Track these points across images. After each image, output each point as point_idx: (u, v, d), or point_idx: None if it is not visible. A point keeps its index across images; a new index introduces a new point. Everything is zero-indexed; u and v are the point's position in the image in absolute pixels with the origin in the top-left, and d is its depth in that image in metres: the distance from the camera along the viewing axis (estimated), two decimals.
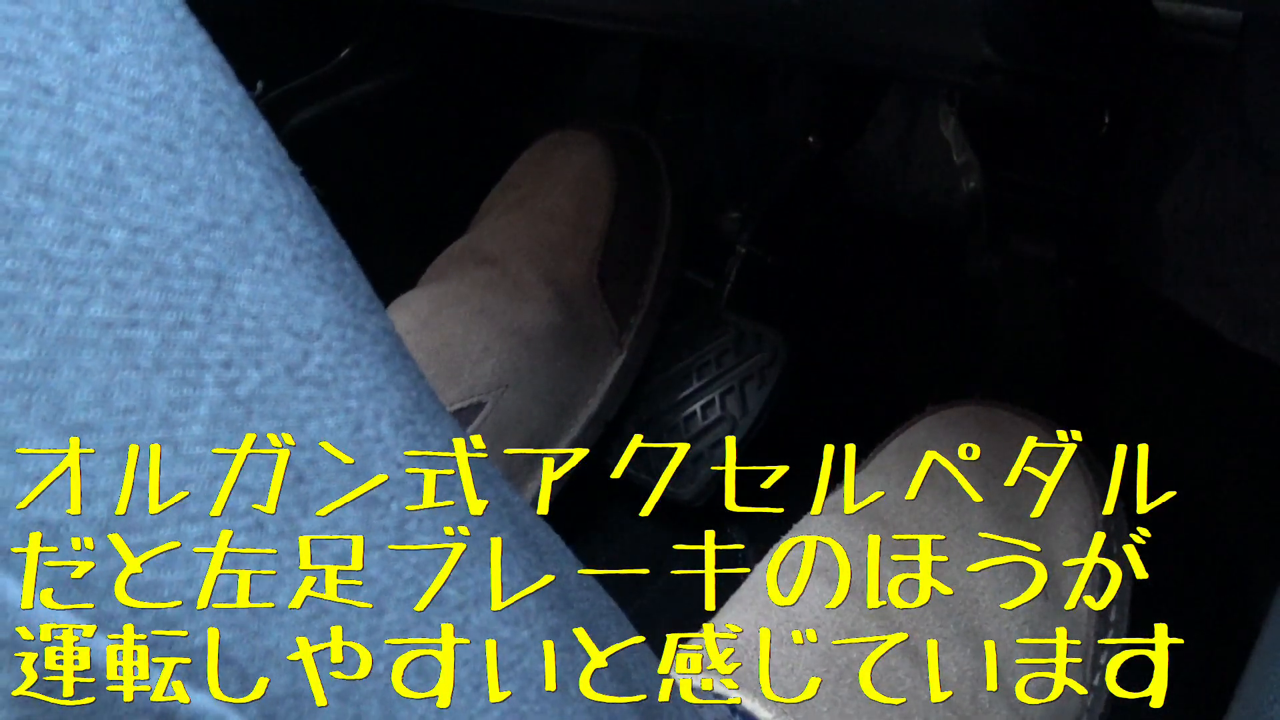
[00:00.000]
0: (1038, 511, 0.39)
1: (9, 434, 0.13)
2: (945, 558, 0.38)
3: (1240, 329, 0.49)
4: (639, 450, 0.57)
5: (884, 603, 0.36)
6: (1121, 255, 0.53)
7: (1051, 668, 0.37)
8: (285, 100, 0.59)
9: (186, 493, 0.14)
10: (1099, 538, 0.39)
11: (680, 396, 0.57)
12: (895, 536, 0.38)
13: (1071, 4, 0.35)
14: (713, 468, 0.55)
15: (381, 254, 0.41)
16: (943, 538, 0.38)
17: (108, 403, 0.13)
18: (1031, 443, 0.41)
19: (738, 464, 0.55)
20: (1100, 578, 0.39)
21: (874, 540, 0.38)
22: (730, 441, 0.55)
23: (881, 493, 0.41)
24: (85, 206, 0.13)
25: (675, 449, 0.56)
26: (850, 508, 0.40)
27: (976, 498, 0.39)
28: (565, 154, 0.57)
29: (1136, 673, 0.40)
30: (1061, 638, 0.38)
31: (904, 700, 0.34)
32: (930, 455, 0.41)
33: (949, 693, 0.35)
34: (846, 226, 0.63)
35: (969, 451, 0.41)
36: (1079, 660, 0.38)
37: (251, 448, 0.15)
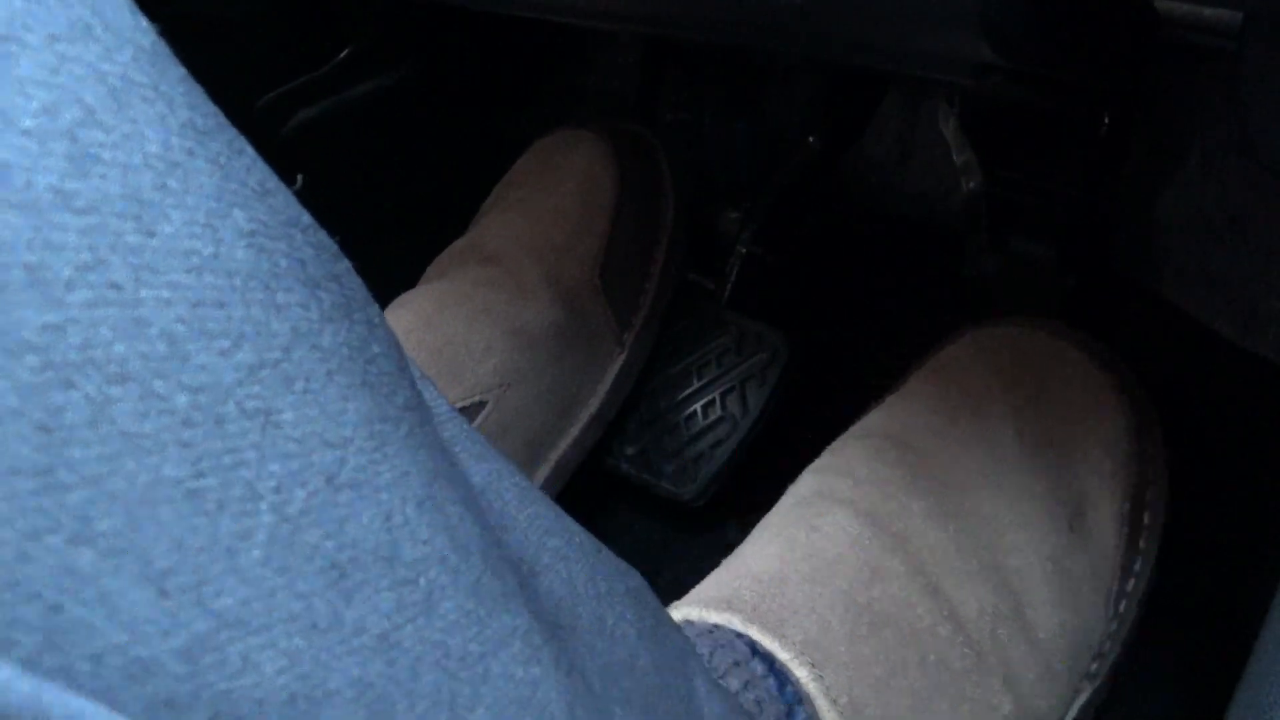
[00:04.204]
0: (1069, 439, 0.39)
1: (107, 590, 0.14)
2: (970, 486, 0.38)
3: (1240, 329, 0.49)
4: (639, 449, 0.57)
5: (906, 537, 0.36)
6: (1121, 255, 0.53)
7: (1074, 603, 0.37)
8: (285, 100, 0.59)
9: (248, 607, 0.16)
10: (1131, 469, 0.39)
11: (681, 396, 0.57)
12: (922, 466, 0.38)
13: (1071, 4, 0.35)
14: (713, 467, 0.55)
15: (382, 254, 0.41)
16: (969, 471, 0.38)
17: (183, 548, 0.15)
18: (1067, 366, 0.40)
19: (739, 463, 0.55)
20: (1128, 513, 0.39)
21: (900, 470, 0.38)
22: (731, 441, 0.55)
23: (911, 417, 0.40)
24: (154, 381, 0.15)
25: (676, 448, 0.56)
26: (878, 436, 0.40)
27: (1007, 426, 0.39)
28: (568, 153, 0.57)
29: (1156, 613, 0.40)
30: (1086, 571, 0.38)
31: (922, 637, 0.34)
32: (963, 382, 0.41)
33: (968, 628, 0.35)
34: (846, 226, 0.63)
35: (1003, 375, 0.41)
36: (1103, 594, 0.38)
37: (300, 559, 0.16)
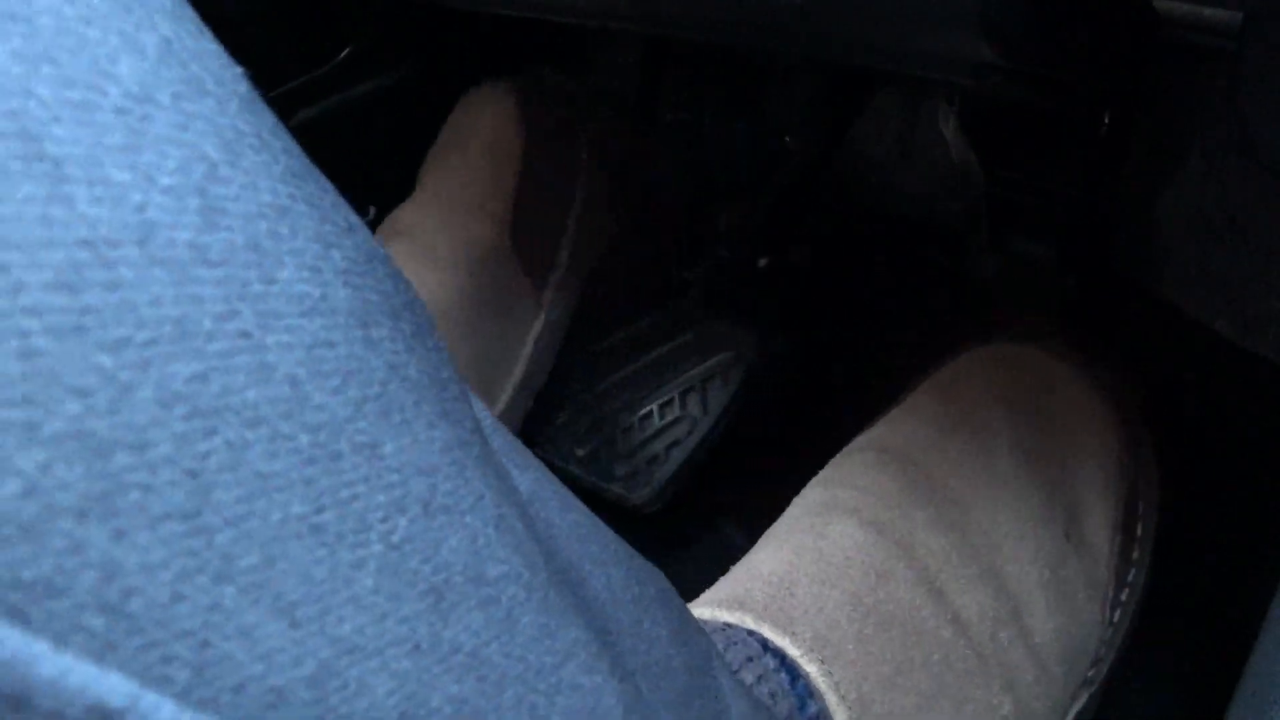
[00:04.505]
0: (1063, 452, 0.40)
1: (246, 624, 0.15)
2: (970, 497, 0.39)
3: (1240, 329, 0.49)
4: (590, 450, 0.54)
5: (910, 544, 0.37)
6: (1121, 255, 0.53)
7: (1070, 609, 0.38)
8: (285, 100, 0.59)
9: (363, 633, 0.17)
10: (1123, 481, 0.40)
11: (638, 395, 0.54)
12: (923, 478, 0.39)
13: (1071, 4, 0.35)
14: (668, 471, 0.52)
15: None
16: (968, 483, 0.39)
17: (309, 580, 0.16)
18: (1061, 383, 0.41)
19: (697, 466, 0.53)
20: (1121, 522, 0.40)
21: (902, 481, 0.39)
22: (688, 443, 0.52)
23: (912, 432, 0.41)
24: (281, 423, 0.16)
25: (630, 450, 0.53)
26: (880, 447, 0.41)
27: (1004, 440, 0.40)
28: (478, 112, 0.57)
29: (1155, 614, 0.41)
30: (1081, 579, 0.38)
31: (926, 639, 0.35)
32: (962, 398, 0.42)
33: (970, 631, 0.36)
34: (846, 226, 0.63)
35: (1000, 392, 0.41)
36: (1098, 601, 0.39)
37: (404, 584, 0.17)
